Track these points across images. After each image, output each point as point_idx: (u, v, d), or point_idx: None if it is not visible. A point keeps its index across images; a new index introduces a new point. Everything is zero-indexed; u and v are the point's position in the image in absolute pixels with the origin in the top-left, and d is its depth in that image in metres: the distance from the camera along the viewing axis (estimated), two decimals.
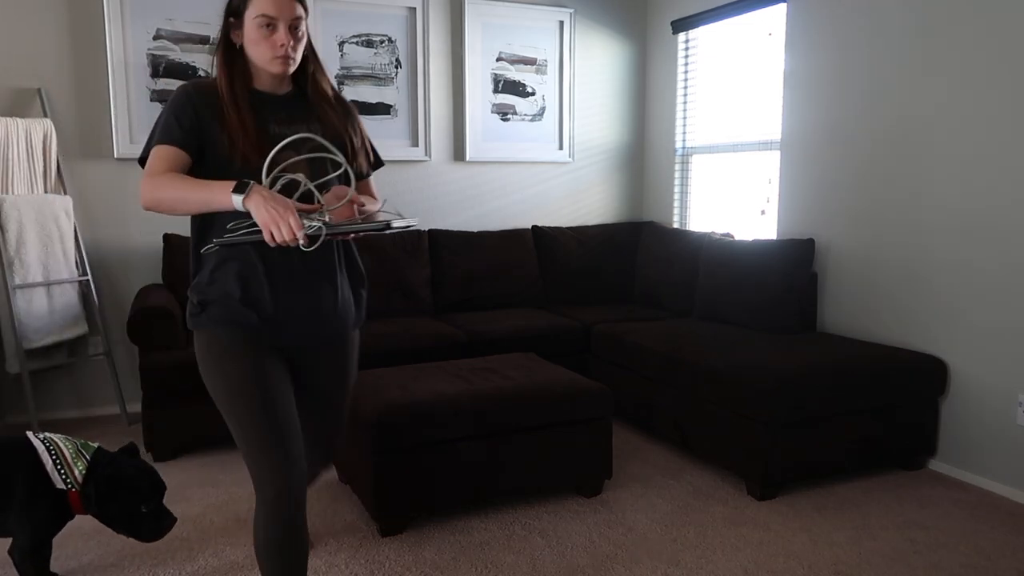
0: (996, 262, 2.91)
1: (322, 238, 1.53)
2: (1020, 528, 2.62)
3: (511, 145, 4.61)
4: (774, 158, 3.98)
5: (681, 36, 4.60)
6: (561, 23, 4.64)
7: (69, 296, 3.52)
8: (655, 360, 3.32)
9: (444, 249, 4.25)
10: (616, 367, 3.65)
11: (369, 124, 4.24)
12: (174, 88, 3.83)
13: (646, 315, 4.09)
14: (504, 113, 4.57)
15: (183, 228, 3.88)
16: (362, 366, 3.42)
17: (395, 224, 1.57)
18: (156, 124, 1.71)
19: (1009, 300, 2.87)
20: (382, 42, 4.25)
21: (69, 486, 2.04)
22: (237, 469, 3.15)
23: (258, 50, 1.71)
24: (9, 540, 2.03)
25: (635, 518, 2.69)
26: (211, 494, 2.90)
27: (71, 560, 2.39)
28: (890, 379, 2.97)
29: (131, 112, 3.78)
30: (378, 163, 2.08)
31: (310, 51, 1.81)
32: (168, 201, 1.59)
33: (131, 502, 2.07)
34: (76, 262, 3.62)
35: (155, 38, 3.80)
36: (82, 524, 2.64)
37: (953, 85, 3.03)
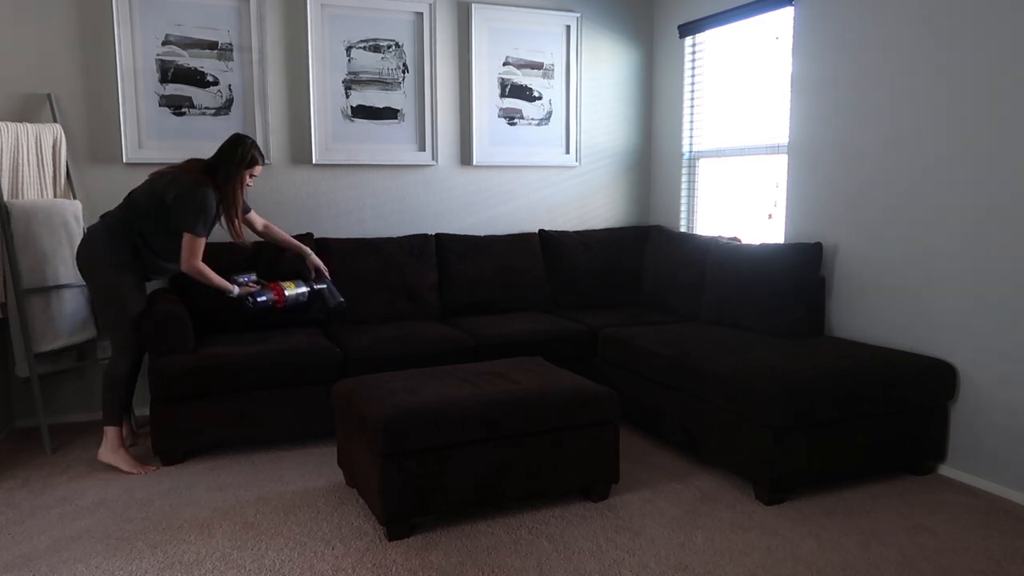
0: (1004, 266, 2.89)
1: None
2: None
3: (518, 149, 4.61)
4: (781, 162, 3.97)
5: (688, 40, 4.60)
6: (568, 27, 4.64)
7: (78, 300, 3.53)
8: (662, 364, 3.32)
9: (451, 253, 4.26)
10: (623, 371, 3.64)
11: (376, 129, 4.28)
12: (183, 93, 3.88)
13: (653, 319, 4.08)
14: (511, 117, 4.58)
15: None
16: (368, 370, 3.45)
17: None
18: (197, 213, 3.13)
19: (1018, 304, 2.85)
20: (389, 47, 4.26)
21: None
22: (245, 473, 3.16)
23: (243, 184, 3.30)
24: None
25: (642, 523, 2.68)
26: (219, 498, 2.90)
27: (79, 563, 2.40)
28: (899, 383, 2.95)
29: (140, 117, 3.80)
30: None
31: None
32: (200, 279, 3.23)
33: None
34: None
35: (164, 43, 3.82)
36: (93, 529, 2.65)
37: (961, 89, 3.02)
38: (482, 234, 4.56)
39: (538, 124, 4.66)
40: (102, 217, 3.25)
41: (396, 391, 2.69)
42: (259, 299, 3.39)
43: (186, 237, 3.15)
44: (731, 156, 4.36)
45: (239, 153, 3.23)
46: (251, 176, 3.30)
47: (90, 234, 3.23)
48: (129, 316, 3.20)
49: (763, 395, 2.78)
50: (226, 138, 3.29)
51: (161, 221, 3.18)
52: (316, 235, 4.20)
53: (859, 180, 3.48)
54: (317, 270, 3.69)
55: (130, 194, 3.24)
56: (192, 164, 3.26)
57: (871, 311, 3.44)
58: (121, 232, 3.18)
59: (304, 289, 3.54)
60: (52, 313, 3.43)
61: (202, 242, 3.18)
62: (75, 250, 3.51)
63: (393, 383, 2.79)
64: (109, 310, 3.20)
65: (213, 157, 3.27)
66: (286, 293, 3.47)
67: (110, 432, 3.21)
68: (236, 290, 3.35)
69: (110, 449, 3.21)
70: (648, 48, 4.92)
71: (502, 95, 4.54)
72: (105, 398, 3.23)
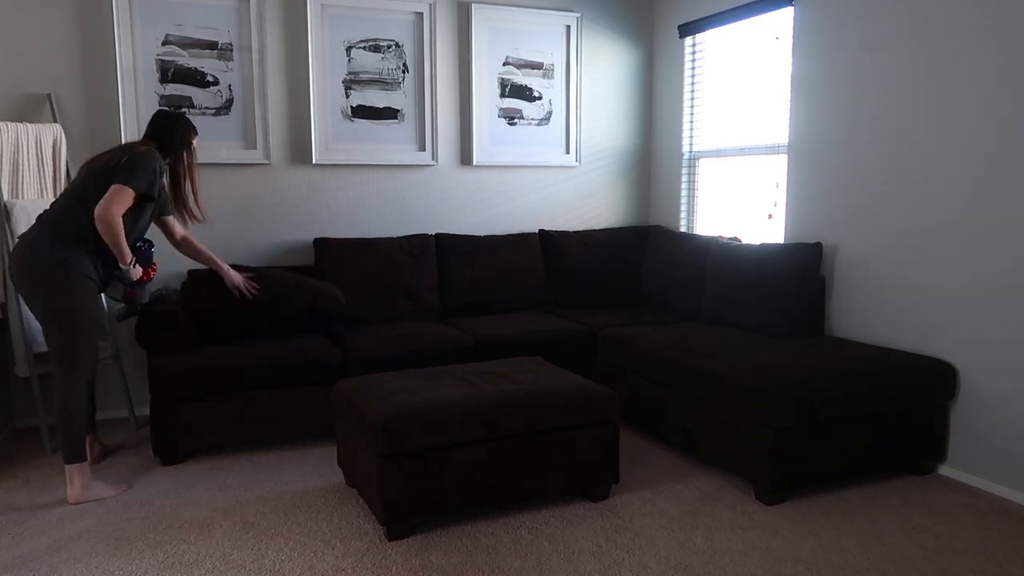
0: (1005, 266, 2.89)
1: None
2: None
3: (518, 149, 4.61)
4: (781, 162, 3.97)
5: (688, 40, 4.60)
6: (568, 27, 4.64)
7: None
8: (662, 364, 3.32)
9: (451, 253, 4.26)
10: (623, 371, 3.64)
11: (376, 129, 4.27)
12: (183, 93, 3.88)
13: (653, 319, 4.08)
14: (511, 117, 4.58)
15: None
16: (368, 370, 3.44)
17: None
18: (145, 173, 2.83)
19: (1018, 304, 2.85)
20: (389, 47, 4.26)
21: None
22: (245, 473, 3.15)
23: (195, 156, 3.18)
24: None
25: (642, 523, 2.68)
26: (218, 497, 2.90)
27: (79, 563, 2.40)
28: (899, 383, 2.95)
29: (140, 117, 3.80)
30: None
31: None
32: (108, 234, 2.77)
33: None
34: None
35: (164, 43, 3.82)
36: (93, 529, 2.65)
37: (962, 88, 3.02)
38: (482, 234, 4.56)
39: (538, 124, 4.66)
40: (41, 219, 2.85)
41: (396, 391, 2.69)
42: (138, 293, 3.04)
43: (117, 187, 2.76)
44: (731, 156, 4.36)
45: (182, 125, 3.07)
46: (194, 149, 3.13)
47: (30, 240, 2.80)
48: (85, 336, 2.83)
49: (763, 395, 2.77)
50: (170, 123, 3.08)
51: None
52: (316, 235, 4.20)
53: (859, 180, 3.48)
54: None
55: (73, 190, 2.86)
56: (134, 142, 3.01)
57: (871, 311, 3.44)
58: (73, 235, 2.81)
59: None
60: None
61: (129, 199, 2.79)
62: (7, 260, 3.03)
63: (393, 383, 2.79)
64: (59, 334, 2.78)
65: (152, 137, 3.03)
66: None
67: (76, 470, 2.85)
68: (136, 270, 2.96)
69: (80, 487, 2.86)
70: (648, 48, 4.91)
71: (502, 95, 4.54)
72: (66, 437, 2.82)
